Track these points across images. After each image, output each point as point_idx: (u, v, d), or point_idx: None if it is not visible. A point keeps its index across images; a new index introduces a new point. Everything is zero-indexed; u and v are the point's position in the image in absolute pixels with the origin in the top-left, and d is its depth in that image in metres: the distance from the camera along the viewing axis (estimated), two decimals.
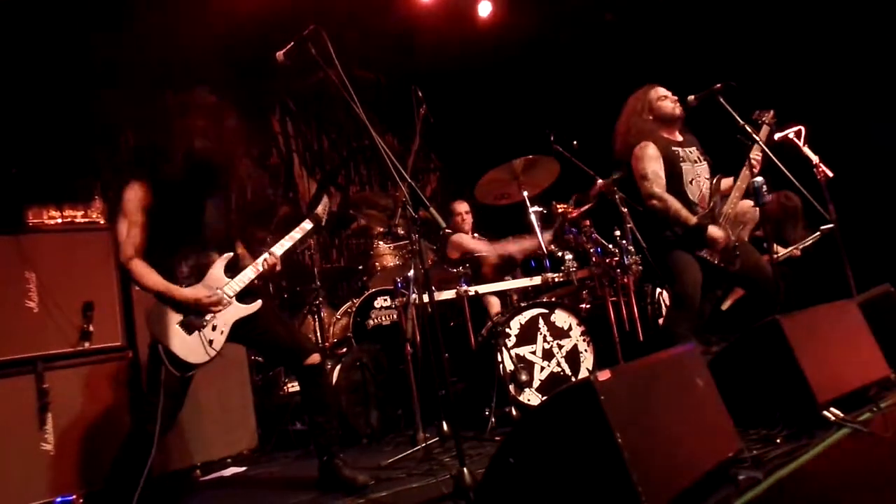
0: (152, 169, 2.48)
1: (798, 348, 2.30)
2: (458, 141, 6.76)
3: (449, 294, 3.51)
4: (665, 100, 3.20)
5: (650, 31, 5.40)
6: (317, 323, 4.22)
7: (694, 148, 3.26)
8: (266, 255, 2.69)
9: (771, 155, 3.02)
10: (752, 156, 3.04)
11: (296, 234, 2.80)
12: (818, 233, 4.33)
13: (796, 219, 4.51)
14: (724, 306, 4.35)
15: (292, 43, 2.48)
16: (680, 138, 3.26)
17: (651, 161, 3.12)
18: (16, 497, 2.89)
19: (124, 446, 2.49)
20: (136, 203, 2.45)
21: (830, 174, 3.44)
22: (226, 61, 5.08)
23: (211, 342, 2.51)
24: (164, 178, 2.46)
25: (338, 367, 3.64)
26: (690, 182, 3.15)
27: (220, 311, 2.53)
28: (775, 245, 4.36)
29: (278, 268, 2.70)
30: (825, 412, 2.26)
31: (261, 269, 2.66)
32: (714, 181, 3.21)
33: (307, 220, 2.88)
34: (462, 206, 4.74)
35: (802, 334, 2.36)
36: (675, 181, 3.13)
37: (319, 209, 2.93)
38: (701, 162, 3.23)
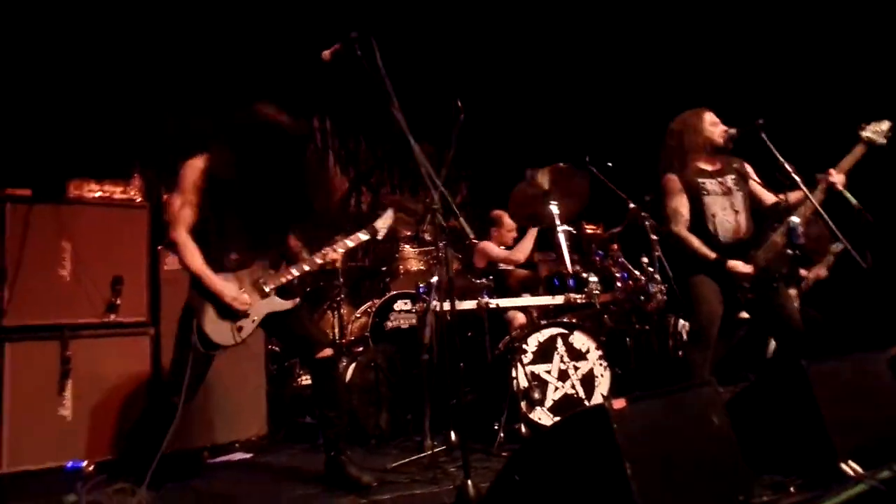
0: (216, 149, 2.50)
1: (821, 396, 2.24)
2: (491, 152, 6.78)
3: (470, 304, 3.51)
4: (716, 126, 3.19)
5: (692, 60, 5.34)
6: (336, 319, 4.26)
7: (730, 177, 3.21)
8: (329, 249, 2.67)
9: (809, 195, 2.95)
10: (831, 180, 2.95)
11: (349, 242, 2.74)
12: (835, 252, 4.32)
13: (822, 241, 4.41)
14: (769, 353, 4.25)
15: (339, 44, 2.52)
16: (716, 166, 3.22)
17: (672, 197, 3.15)
18: (29, 457, 2.97)
19: (145, 416, 2.54)
20: (193, 181, 2.48)
21: (871, 219, 3.36)
22: (272, 55, 5.20)
23: (240, 329, 2.55)
24: (226, 162, 2.47)
25: (353, 366, 3.66)
26: (713, 215, 3.12)
27: (245, 310, 2.54)
28: (802, 270, 4.31)
29: (338, 264, 2.71)
30: (843, 465, 2.20)
31: (318, 262, 2.66)
32: (772, 204, 3.16)
33: (364, 231, 2.79)
34: (511, 223, 4.73)
35: (827, 382, 2.31)
36: (696, 215, 3.13)
37: (380, 223, 2.83)
38: (734, 192, 3.18)
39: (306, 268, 2.65)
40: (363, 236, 2.78)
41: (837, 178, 2.97)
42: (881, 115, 3.04)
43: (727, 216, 3.14)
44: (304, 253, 2.72)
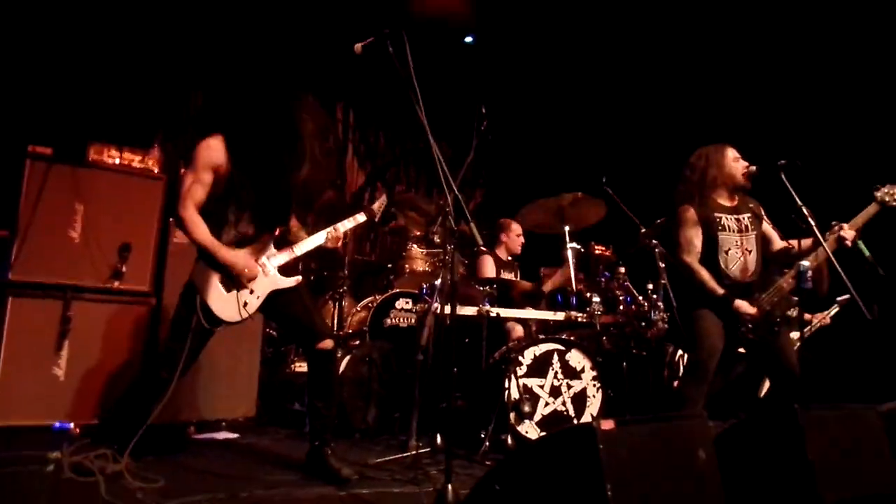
0: (232, 130, 2.55)
1: (811, 442, 2.22)
2: (509, 161, 6.79)
3: (470, 310, 3.51)
4: (738, 162, 3.19)
5: (721, 93, 5.33)
6: (336, 310, 4.27)
7: (747, 215, 3.21)
8: (331, 228, 2.78)
9: (822, 241, 2.94)
10: (842, 234, 2.97)
11: (348, 223, 2.87)
12: (837, 305, 4.36)
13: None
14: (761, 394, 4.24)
15: (372, 38, 2.53)
16: (734, 203, 3.22)
17: (687, 227, 3.16)
18: (18, 412, 3.00)
19: (133, 389, 2.55)
20: (206, 160, 2.51)
21: (882, 273, 3.33)
22: (303, 41, 5.24)
23: (246, 304, 2.58)
24: (240, 143, 2.53)
25: (347, 358, 3.67)
26: (726, 251, 3.12)
27: (252, 282, 2.57)
28: (805, 314, 4.30)
29: (340, 243, 2.80)
30: None
31: (322, 241, 2.75)
32: (781, 249, 3.16)
33: (361, 213, 2.94)
34: (518, 227, 4.75)
35: (819, 430, 2.28)
36: (708, 249, 3.13)
37: (376, 206, 3.03)
38: (749, 231, 3.18)
39: (307, 247, 2.73)
40: (360, 218, 2.92)
41: (849, 234, 2.99)
42: None
43: (739, 254, 3.14)
44: (304, 234, 2.79)
